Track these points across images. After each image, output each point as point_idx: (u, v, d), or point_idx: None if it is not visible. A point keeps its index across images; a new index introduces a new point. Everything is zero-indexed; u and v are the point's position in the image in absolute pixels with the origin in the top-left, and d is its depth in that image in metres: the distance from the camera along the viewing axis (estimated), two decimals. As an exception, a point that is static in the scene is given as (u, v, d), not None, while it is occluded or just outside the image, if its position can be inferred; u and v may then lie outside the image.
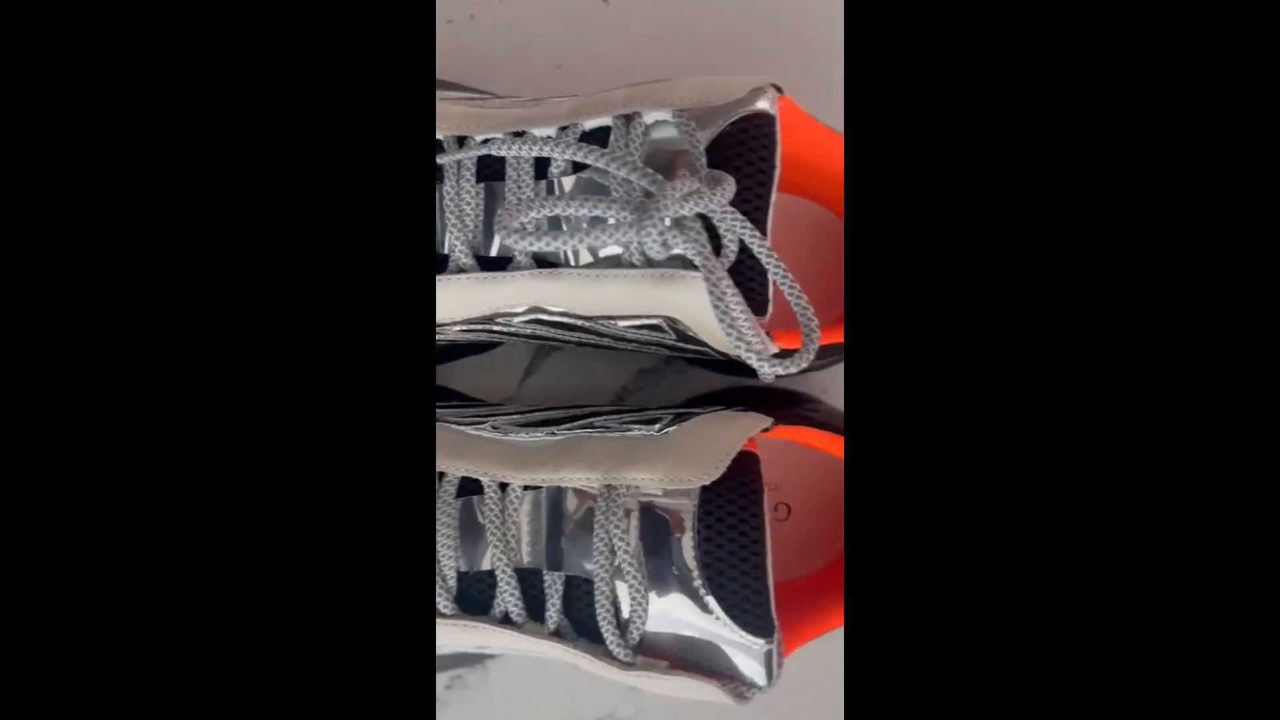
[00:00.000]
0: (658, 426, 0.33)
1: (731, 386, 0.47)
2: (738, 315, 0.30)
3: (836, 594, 0.37)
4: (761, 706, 0.33)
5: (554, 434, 0.34)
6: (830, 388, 0.48)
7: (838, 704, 0.36)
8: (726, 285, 0.29)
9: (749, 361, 0.30)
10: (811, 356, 0.30)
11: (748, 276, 0.31)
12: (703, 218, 0.30)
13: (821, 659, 0.38)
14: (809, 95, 0.41)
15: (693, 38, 0.47)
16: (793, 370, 0.30)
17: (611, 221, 0.29)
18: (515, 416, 0.37)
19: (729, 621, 0.30)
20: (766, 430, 0.33)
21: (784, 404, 0.45)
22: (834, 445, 0.35)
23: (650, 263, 0.31)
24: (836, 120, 0.36)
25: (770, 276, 0.30)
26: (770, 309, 0.32)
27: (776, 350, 0.30)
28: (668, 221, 0.28)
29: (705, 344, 0.33)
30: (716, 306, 0.29)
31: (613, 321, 0.33)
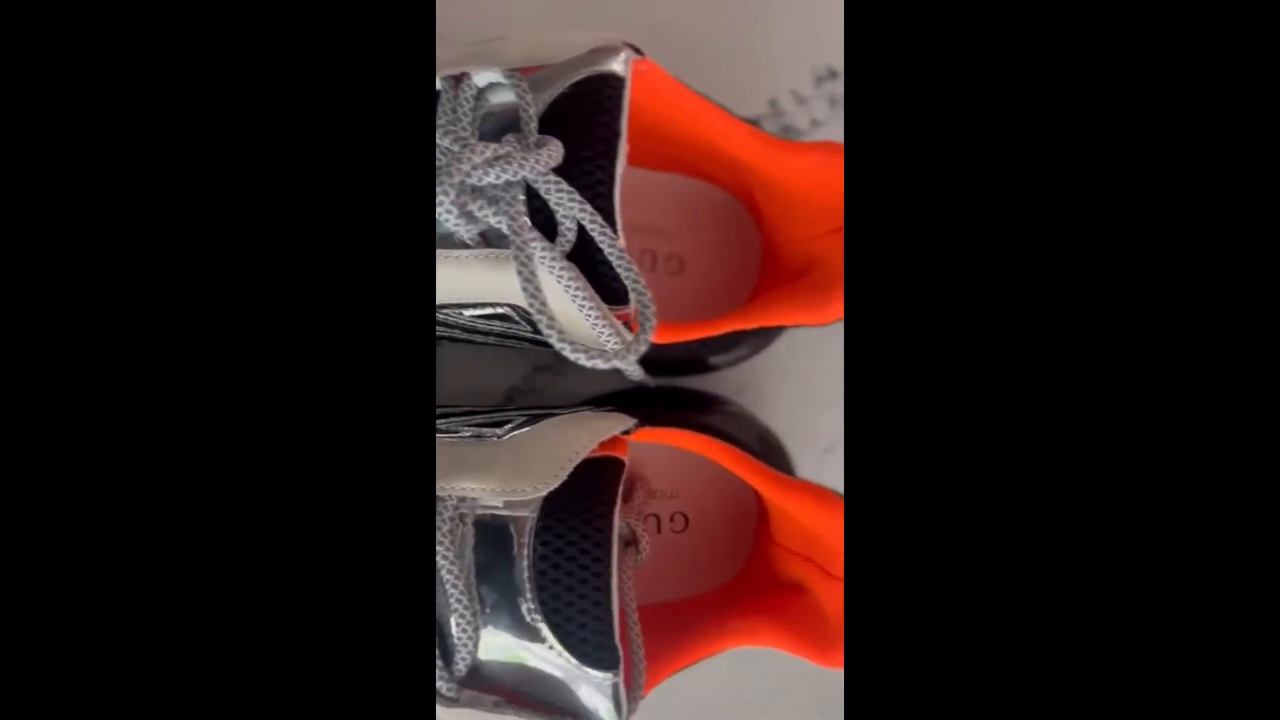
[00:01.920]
0: (502, 430, 0.30)
1: (640, 387, 0.43)
2: (584, 302, 0.26)
3: (741, 609, 0.33)
4: None
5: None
6: (747, 386, 0.44)
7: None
8: (563, 268, 0.26)
9: (564, 353, 0.26)
10: (643, 347, 0.26)
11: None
12: (534, 194, 0.26)
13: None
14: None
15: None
16: (623, 362, 0.26)
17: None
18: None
19: (563, 651, 0.26)
20: (628, 433, 0.29)
21: (692, 405, 0.42)
22: (720, 454, 0.32)
23: (487, 242, 0.27)
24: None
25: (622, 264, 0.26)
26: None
27: (629, 341, 0.27)
28: (460, 189, 0.25)
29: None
30: (525, 289, 0.25)
31: (459, 311, 0.30)
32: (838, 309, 0.28)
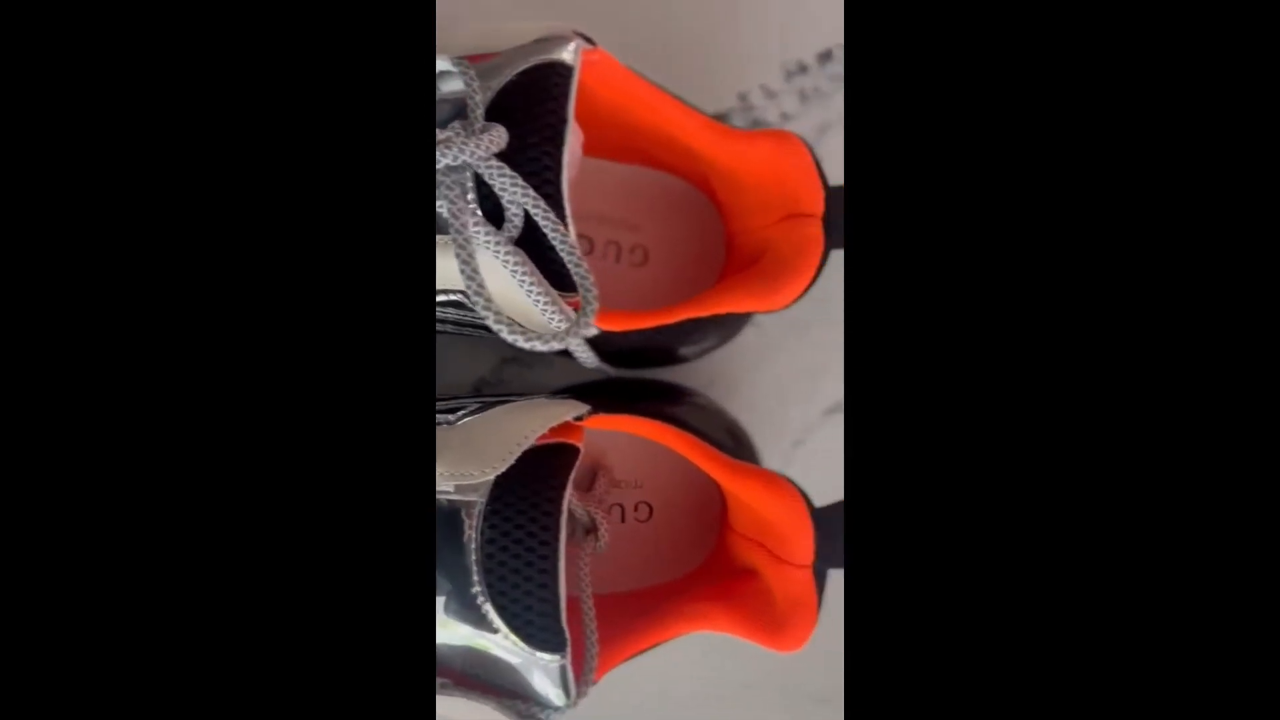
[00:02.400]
0: (455, 416, 0.30)
1: (613, 378, 0.43)
2: (531, 287, 0.26)
3: (695, 595, 0.34)
4: None
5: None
6: (717, 379, 0.45)
7: None
8: (508, 253, 0.26)
9: (502, 335, 0.26)
10: (587, 329, 0.26)
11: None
12: (482, 182, 0.26)
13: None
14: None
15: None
16: (568, 344, 0.26)
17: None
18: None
19: (509, 634, 0.27)
20: (581, 418, 0.30)
21: (660, 396, 0.42)
22: (675, 440, 0.32)
23: (438, 229, 0.28)
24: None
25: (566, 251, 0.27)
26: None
27: (571, 324, 0.27)
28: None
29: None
30: (463, 273, 0.25)
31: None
32: (786, 295, 0.28)
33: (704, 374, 0.45)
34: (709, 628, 0.29)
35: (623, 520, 0.38)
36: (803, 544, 0.28)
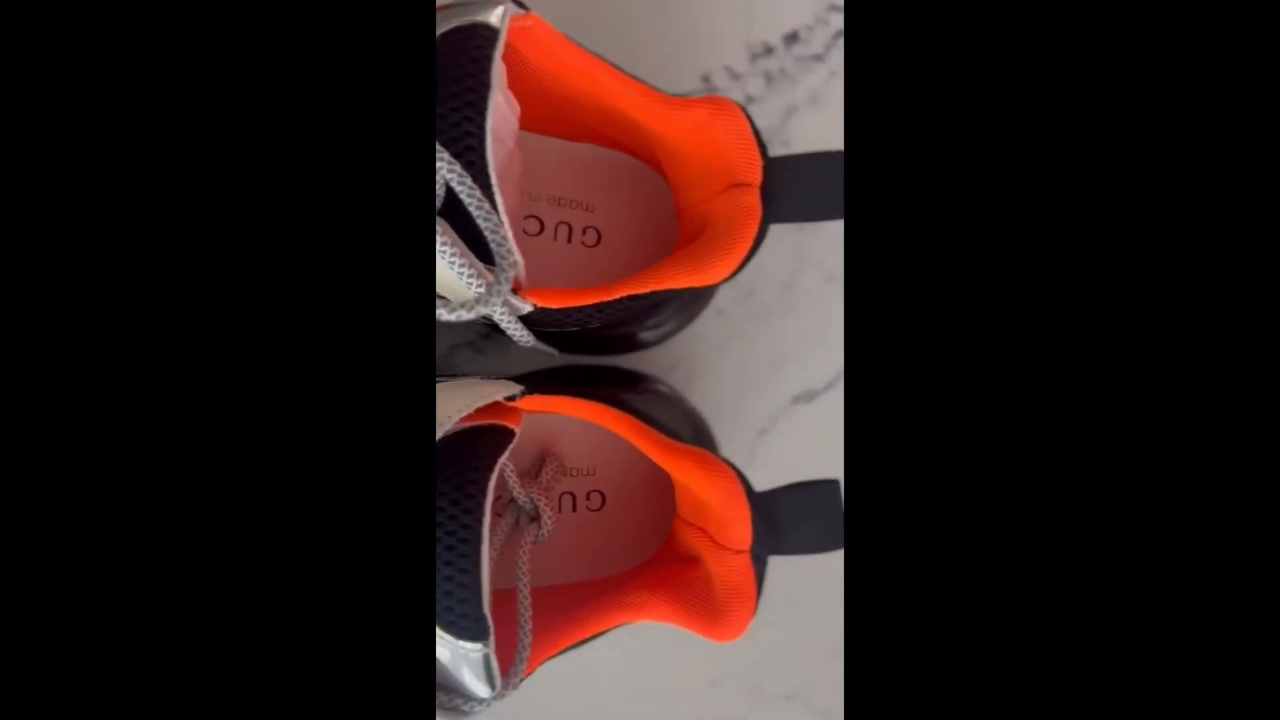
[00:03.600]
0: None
1: (571, 365, 0.42)
2: (453, 257, 0.25)
3: (638, 584, 0.32)
4: None
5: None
6: (680, 363, 0.43)
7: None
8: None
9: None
10: (501, 293, 0.25)
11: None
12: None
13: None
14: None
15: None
16: (488, 311, 0.25)
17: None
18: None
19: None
20: (513, 399, 0.28)
21: (619, 383, 0.41)
22: (614, 421, 0.30)
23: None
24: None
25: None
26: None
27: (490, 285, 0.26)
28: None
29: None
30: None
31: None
32: (721, 269, 0.27)
33: (665, 361, 0.44)
34: (648, 617, 0.28)
35: (574, 509, 0.36)
36: (740, 529, 0.27)
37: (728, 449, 0.44)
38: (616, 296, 0.28)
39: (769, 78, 0.44)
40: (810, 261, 0.44)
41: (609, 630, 0.29)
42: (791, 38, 0.45)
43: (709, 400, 0.44)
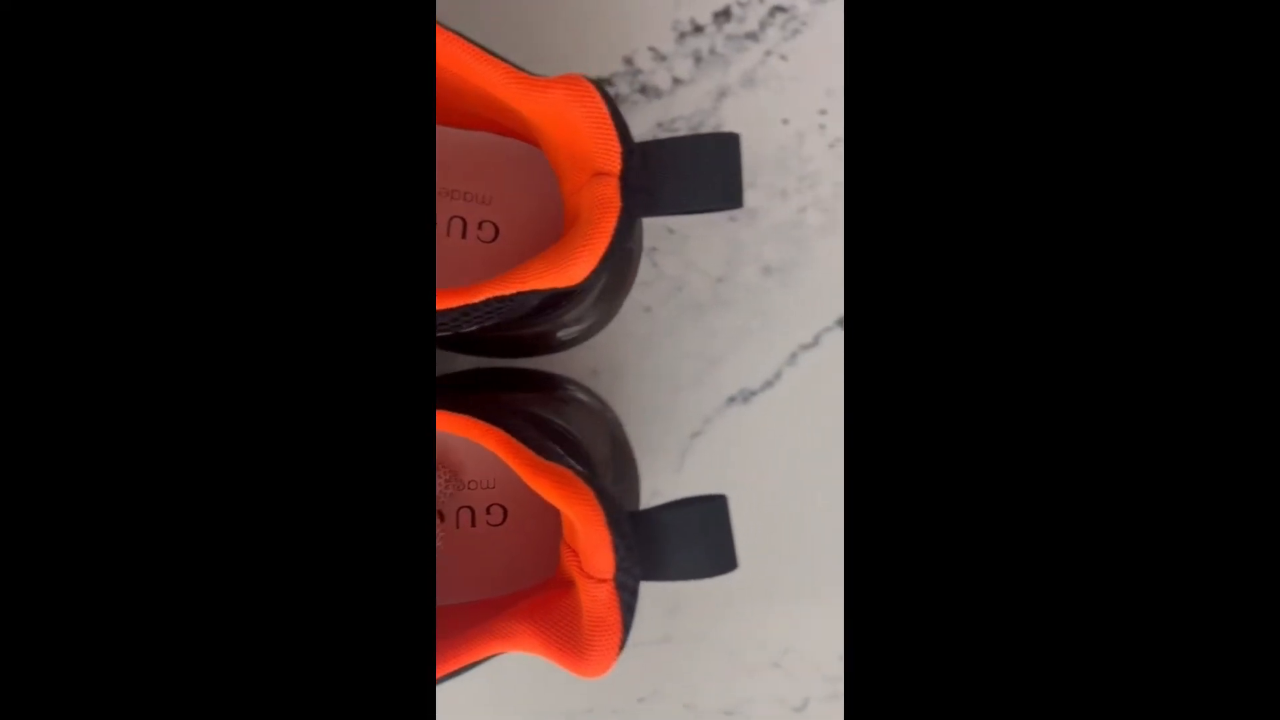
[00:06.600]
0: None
1: (479, 369, 0.40)
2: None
3: (512, 611, 0.30)
4: None
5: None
6: (603, 368, 0.41)
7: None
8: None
9: None
10: None
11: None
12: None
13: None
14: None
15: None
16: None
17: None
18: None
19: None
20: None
21: (531, 387, 0.38)
22: (495, 442, 0.28)
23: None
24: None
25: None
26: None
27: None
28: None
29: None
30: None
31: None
32: (580, 267, 0.25)
33: (590, 362, 0.41)
34: (516, 647, 0.26)
35: (473, 524, 0.34)
36: (601, 556, 0.24)
37: (657, 453, 0.41)
38: (482, 299, 0.26)
39: (698, 58, 0.41)
40: (746, 254, 0.41)
41: (482, 661, 0.27)
42: (723, 15, 0.42)
43: (637, 402, 0.41)
